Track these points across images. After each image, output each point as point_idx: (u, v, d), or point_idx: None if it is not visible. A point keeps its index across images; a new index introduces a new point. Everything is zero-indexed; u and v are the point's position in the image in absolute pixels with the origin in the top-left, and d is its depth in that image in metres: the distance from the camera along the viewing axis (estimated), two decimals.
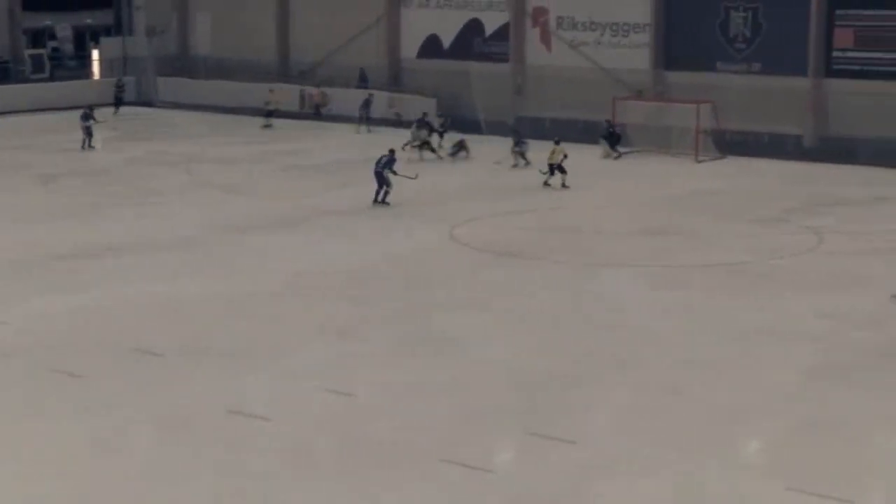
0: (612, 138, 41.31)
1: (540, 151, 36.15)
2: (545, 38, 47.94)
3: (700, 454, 15.97)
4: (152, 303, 22.85)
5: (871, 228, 30.00)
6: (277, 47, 54.79)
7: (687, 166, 39.46)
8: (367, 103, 47.08)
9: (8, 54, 56.85)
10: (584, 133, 42.15)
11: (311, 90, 51.84)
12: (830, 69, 42.01)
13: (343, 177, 36.71)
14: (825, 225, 30.24)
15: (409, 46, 51.39)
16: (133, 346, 20.13)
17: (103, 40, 60.55)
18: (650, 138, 41.49)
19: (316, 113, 50.91)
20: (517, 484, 15.11)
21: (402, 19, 51.40)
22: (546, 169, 35.01)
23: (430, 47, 50.75)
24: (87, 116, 42.59)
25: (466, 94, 47.43)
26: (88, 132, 42.37)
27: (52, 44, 62.90)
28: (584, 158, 37.54)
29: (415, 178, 32.80)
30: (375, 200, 32.03)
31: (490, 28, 49.19)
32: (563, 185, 34.86)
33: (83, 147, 42.28)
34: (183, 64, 57.37)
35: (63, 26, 63.42)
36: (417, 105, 45.83)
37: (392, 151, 32.57)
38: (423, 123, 41.58)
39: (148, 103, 55.01)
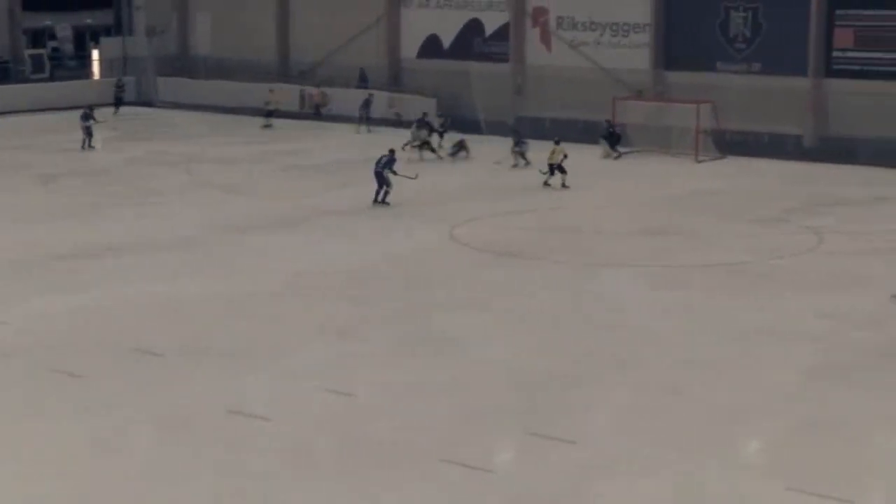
0: (612, 138, 41.29)
1: (540, 151, 36.14)
2: (545, 38, 47.93)
3: (700, 454, 15.97)
4: (152, 303, 22.85)
5: (871, 228, 29.99)
6: (277, 47, 54.77)
7: (687, 166, 39.45)
8: (367, 103, 47.07)
9: (8, 54, 56.81)
10: (584, 133, 42.13)
11: (311, 90, 51.81)
12: (830, 69, 42.00)
13: (343, 177, 36.70)
14: (825, 225, 30.24)
15: (409, 46, 51.37)
16: (133, 346, 20.13)
17: (103, 40, 60.53)
18: (650, 138, 41.48)
19: (316, 113, 50.89)
20: (517, 484, 15.10)
21: (402, 19, 51.39)
22: (546, 169, 35.00)
23: (430, 47, 50.73)
24: (87, 116, 42.57)
25: (466, 94, 47.42)
26: (88, 132, 42.35)
27: (52, 44, 62.85)
28: (584, 158, 37.53)
29: (415, 178, 32.79)
30: (375, 200, 32.02)
31: (490, 28, 49.17)
32: (563, 185, 34.86)
33: (83, 147, 42.26)
34: (183, 64, 57.34)
35: (63, 26, 63.38)
36: (417, 105, 45.81)
37: (392, 151, 32.57)
38: (423, 123, 41.56)
39: (148, 103, 54.97)
